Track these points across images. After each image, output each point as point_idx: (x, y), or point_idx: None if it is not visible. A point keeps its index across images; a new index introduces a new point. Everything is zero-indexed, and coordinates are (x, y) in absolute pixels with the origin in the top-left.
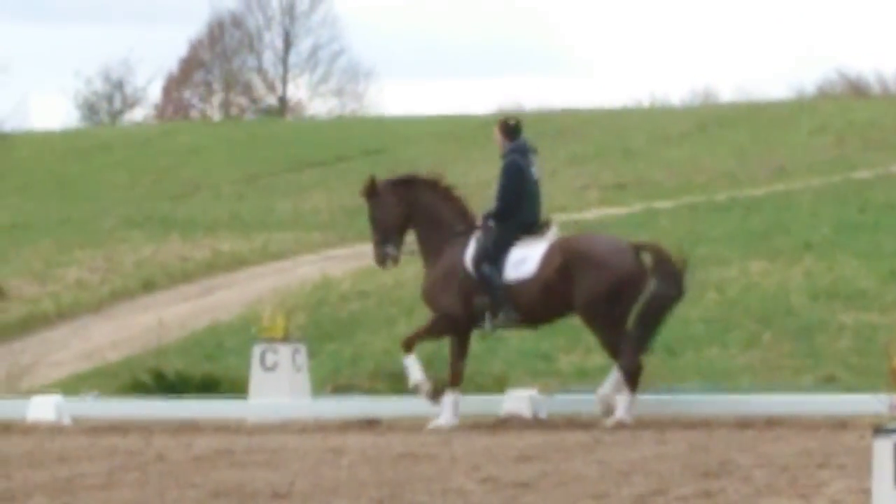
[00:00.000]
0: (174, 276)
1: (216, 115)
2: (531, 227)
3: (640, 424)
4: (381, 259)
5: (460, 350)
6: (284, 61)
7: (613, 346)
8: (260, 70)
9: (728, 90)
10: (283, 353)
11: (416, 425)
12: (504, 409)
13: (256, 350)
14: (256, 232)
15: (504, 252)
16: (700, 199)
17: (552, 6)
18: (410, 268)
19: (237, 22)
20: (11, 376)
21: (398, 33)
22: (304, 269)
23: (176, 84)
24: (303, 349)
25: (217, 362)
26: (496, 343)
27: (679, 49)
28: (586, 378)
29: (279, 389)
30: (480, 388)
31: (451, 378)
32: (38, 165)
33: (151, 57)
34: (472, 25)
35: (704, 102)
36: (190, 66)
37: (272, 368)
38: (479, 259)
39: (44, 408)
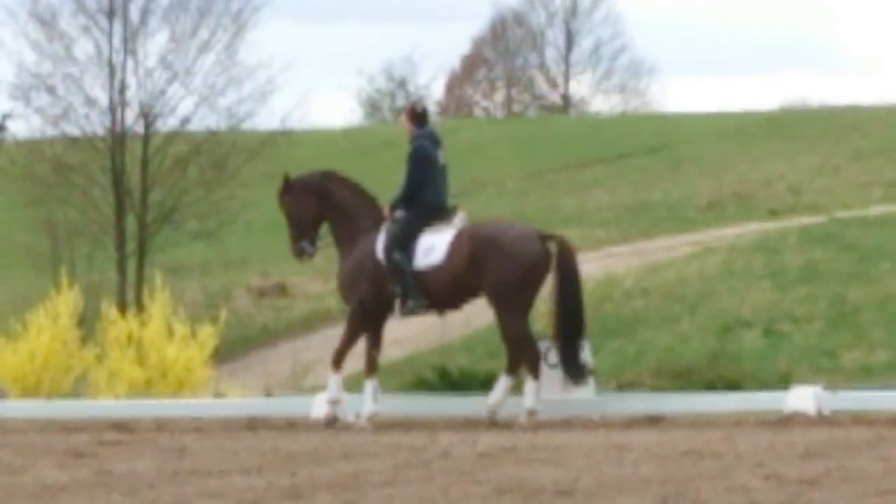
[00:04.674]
0: None
1: (499, 112)
2: (438, 211)
3: None
4: (298, 253)
5: (374, 339)
6: (567, 58)
7: (516, 334)
8: (542, 67)
9: None
10: None
11: (700, 422)
12: (788, 405)
13: (541, 347)
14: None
15: (413, 239)
16: None
17: (834, 3)
18: (695, 264)
19: (520, 19)
20: (295, 373)
21: (680, 30)
22: (588, 266)
23: (459, 81)
24: (587, 346)
25: (500, 359)
26: (780, 340)
27: None
28: (870, 375)
29: (563, 386)
30: (764, 385)
31: (367, 367)
32: (320, 163)
33: (434, 54)
34: (754, 22)
35: None
36: (473, 64)
37: (556, 365)
38: (390, 247)
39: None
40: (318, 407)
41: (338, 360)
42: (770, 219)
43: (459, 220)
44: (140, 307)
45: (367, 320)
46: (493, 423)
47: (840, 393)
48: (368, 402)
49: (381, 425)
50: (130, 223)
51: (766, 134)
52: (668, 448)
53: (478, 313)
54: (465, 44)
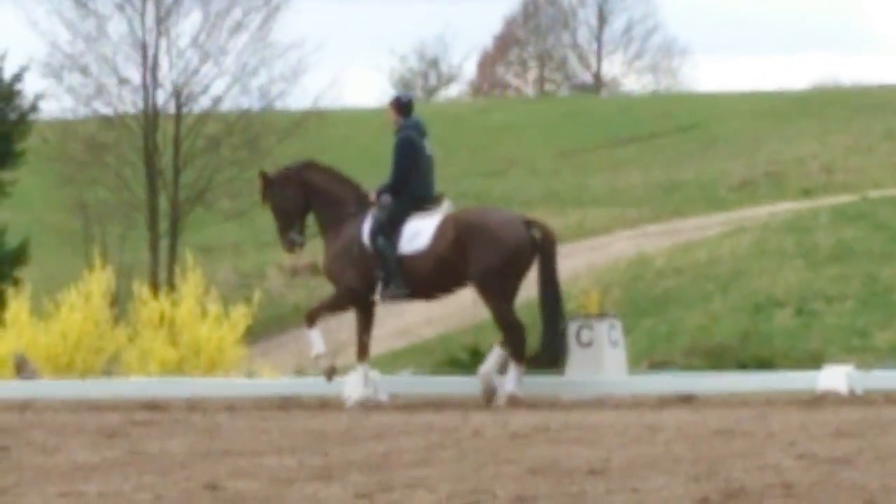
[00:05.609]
0: None
1: (531, 91)
2: (424, 200)
3: None
4: (289, 246)
5: (364, 324)
6: (599, 38)
7: (505, 319)
8: (574, 47)
9: None
10: (599, 330)
11: (732, 401)
12: (820, 385)
13: (572, 326)
14: (572, 208)
15: (398, 225)
16: None
17: None
18: (727, 243)
19: None
20: (328, 353)
21: (712, 9)
22: (620, 246)
23: (491, 61)
24: (618, 325)
25: (531, 339)
26: (812, 320)
27: None
28: None
29: (595, 365)
30: (796, 365)
31: (359, 351)
32: (351, 143)
33: (466, 34)
34: (786, 1)
35: None
36: (505, 43)
37: (588, 344)
38: (375, 233)
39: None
40: (349, 388)
41: (312, 317)
42: (802, 198)
43: (445, 208)
44: (172, 287)
45: (352, 304)
46: (489, 396)
47: (872, 372)
48: (359, 387)
49: (412, 405)
50: (162, 203)
51: (798, 113)
52: (700, 427)
53: None
54: (497, 23)
